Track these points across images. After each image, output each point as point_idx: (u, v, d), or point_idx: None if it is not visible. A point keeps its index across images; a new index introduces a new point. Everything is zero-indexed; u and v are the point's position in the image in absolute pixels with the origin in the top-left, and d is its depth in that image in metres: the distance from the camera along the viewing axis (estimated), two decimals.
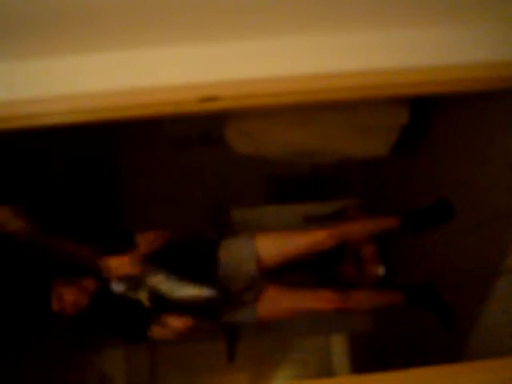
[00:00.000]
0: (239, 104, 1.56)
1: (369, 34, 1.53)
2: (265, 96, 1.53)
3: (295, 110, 2.37)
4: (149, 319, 2.04)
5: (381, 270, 2.97)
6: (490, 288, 2.02)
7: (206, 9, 1.31)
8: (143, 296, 2.04)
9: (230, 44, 1.51)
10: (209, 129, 3.29)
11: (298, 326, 3.31)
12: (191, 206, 3.23)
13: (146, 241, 2.10)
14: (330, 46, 1.54)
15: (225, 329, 2.98)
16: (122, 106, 1.51)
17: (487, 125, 2.04)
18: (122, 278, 2.02)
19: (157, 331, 2.05)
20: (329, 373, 4.06)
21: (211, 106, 1.50)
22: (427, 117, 2.47)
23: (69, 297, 1.97)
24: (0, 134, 1.54)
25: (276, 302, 2.15)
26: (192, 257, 2.13)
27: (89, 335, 3.09)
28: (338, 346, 4.12)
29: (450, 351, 2.36)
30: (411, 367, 1.42)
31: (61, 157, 3.19)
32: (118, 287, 2.04)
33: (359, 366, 3.84)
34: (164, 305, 2.05)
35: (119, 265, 2.03)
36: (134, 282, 2.02)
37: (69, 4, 1.22)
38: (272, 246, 2.13)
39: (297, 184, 3.68)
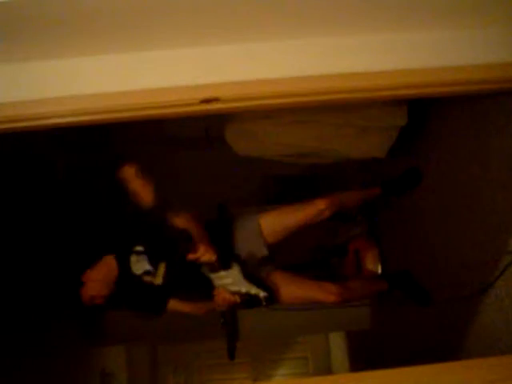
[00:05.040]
0: (239, 105, 1.56)
1: (368, 37, 1.54)
2: (265, 97, 1.54)
3: (295, 111, 2.38)
4: (165, 295, 2.13)
5: (379, 269, 3.00)
6: (486, 286, 2.04)
7: (207, 11, 1.32)
8: (158, 279, 2.08)
9: (230, 46, 1.52)
10: (209, 129, 3.30)
11: (298, 324, 3.33)
12: (191, 206, 3.23)
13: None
14: (330, 48, 1.55)
15: (225, 326, 3.00)
16: (123, 108, 1.51)
17: (485, 125, 2.05)
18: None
19: (173, 305, 2.15)
20: (328, 370, 4.08)
21: (212, 107, 1.51)
22: (425, 117, 2.48)
23: (92, 292, 2.04)
24: (4, 136, 1.55)
25: (282, 284, 2.23)
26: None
27: (93, 327, 3.13)
28: (337, 344, 4.14)
29: (448, 349, 2.38)
30: (408, 365, 1.43)
31: (63, 158, 3.21)
32: (136, 269, 2.09)
33: (357, 363, 3.86)
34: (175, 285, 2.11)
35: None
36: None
37: (70, 8, 1.23)
38: (275, 223, 2.28)
39: (296, 184, 3.69)
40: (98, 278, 2.07)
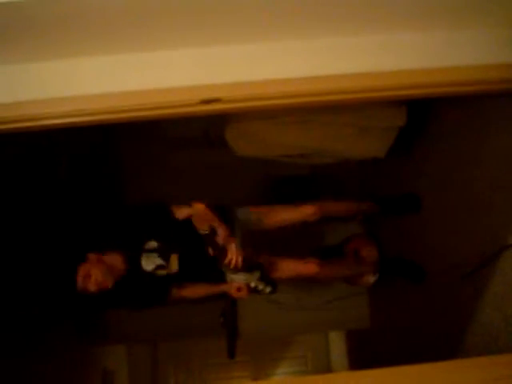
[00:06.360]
0: (240, 106, 1.57)
1: (368, 37, 1.55)
2: (265, 98, 1.54)
3: (295, 112, 2.39)
4: (169, 286, 2.22)
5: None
6: (484, 285, 2.05)
7: (207, 12, 1.33)
8: (174, 266, 2.14)
9: (231, 46, 1.53)
10: (209, 130, 3.30)
11: (297, 324, 3.34)
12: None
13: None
14: (330, 49, 1.55)
15: (225, 326, 3.00)
16: (124, 108, 1.51)
17: (484, 126, 2.06)
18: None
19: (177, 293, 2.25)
20: (327, 369, 4.09)
21: (213, 107, 1.52)
22: (424, 118, 2.48)
23: (97, 276, 1.98)
24: (4, 136, 1.56)
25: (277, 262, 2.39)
26: None
27: (93, 327, 3.13)
28: (336, 343, 4.14)
29: (446, 348, 2.39)
30: (407, 364, 1.44)
31: (65, 158, 3.22)
32: (147, 265, 2.12)
33: (357, 362, 3.87)
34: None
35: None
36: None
37: (70, 8, 1.23)
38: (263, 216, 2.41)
39: (296, 184, 3.69)
40: (108, 263, 2.02)
